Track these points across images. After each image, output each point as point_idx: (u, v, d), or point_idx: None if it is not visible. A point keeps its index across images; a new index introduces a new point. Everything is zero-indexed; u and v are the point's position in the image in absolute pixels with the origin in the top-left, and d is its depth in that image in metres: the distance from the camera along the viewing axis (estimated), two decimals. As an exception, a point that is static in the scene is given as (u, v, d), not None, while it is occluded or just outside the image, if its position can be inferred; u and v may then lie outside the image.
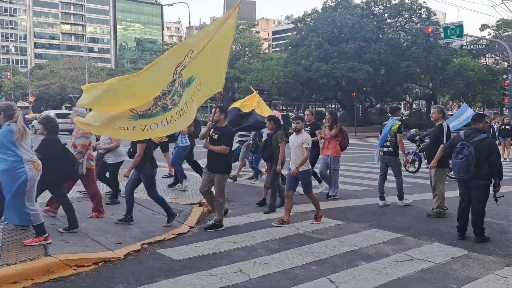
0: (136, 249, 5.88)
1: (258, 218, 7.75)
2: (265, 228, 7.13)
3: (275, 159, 8.11)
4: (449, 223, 7.47)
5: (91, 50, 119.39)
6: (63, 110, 42.02)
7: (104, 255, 5.54)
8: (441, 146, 7.64)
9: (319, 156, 9.57)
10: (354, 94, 41.84)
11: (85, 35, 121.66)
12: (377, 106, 55.61)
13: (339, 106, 52.64)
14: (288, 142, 7.87)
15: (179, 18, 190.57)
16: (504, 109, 35.73)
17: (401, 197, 8.82)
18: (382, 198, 8.81)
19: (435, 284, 4.93)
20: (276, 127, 8.26)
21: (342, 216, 7.95)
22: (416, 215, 8.12)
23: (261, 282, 4.92)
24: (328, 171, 9.49)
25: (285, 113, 70.95)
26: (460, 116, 20.35)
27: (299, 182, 7.38)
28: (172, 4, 52.61)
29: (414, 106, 69.75)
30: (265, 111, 9.99)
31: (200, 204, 8.22)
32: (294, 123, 7.43)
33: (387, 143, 8.68)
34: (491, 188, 6.52)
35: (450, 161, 7.02)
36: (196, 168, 10.38)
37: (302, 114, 10.73)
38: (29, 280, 4.79)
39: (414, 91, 58.70)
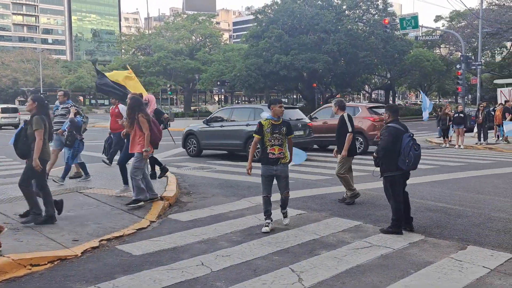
0: (94, 246, 5.72)
1: (220, 210, 7.70)
2: (227, 220, 7.09)
3: (31, 153, 6.29)
4: (406, 210, 7.64)
5: (44, 41, 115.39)
6: (8, 105, 39.94)
7: (60, 253, 5.36)
8: (349, 135, 8.03)
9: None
10: (315, 85, 42.35)
11: (38, 26, 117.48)
12: (337, 96, 56.43)
13: (300, 97, 53.06)
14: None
15: (137, 9, 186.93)
16: (458, 97, 37.04)
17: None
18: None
19: (393, 269, 5.03)
20: (36, 111, 6.39)
21: (304, 206, 8.01)
22: (375, 202, 8.28)
23: (223, 275, 4.89)
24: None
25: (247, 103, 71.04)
26: (425, 106, 21.32)
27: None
28: (129, -6, 51.38)
29: (373, 96, 71.15)
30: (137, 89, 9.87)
31: (161, 198, 8.10)
32: None
33: None
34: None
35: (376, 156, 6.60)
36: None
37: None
38: (-20, 282, 4.58)
39: (373, 81, 59.94)
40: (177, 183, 9.77)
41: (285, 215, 6.78)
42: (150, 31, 59.95)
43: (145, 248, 5.74)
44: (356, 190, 8.23)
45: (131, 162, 7.98)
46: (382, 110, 16.31)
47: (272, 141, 6.45)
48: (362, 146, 15.34)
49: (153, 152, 8.28)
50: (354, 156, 8.46)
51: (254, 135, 6.60)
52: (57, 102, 10.38)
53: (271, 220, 6.58)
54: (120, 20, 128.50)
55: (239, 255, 5.49)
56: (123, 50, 60.03)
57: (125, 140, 8.86)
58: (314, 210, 7.77)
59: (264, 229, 6.42)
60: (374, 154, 6.50)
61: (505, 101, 21.05)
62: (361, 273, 4.93)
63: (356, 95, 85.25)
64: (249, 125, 13.77)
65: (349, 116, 8.26)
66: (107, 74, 10.53)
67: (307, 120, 14.59)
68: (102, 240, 5.94)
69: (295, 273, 4.91)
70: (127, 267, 5.10)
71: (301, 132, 13.99)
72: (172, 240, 6.07)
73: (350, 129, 8.10)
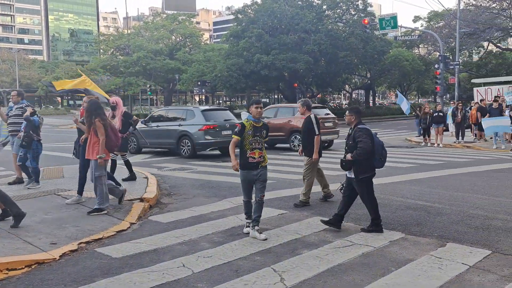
0: (73, 249, 5.62)
1: (201, 211, 7.64)
2: (208, 221, 7.04)
3: None
4: (387, 208, 7.72)
5: (21, 41, 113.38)
6: None
7: (38, 257, 5.25)
8: (316, 137, 7.97)
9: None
10: (296, 84, 42.48)
11: (14, 26, 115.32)
12: (318, 96, 56.73)
13: (282, 96, 53.19)
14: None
15: (115, 8, 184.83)
16: (436, 97, 37.67)
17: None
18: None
19: (374, 267, 5.06)
20: None
21: (285, 205, 8.01)
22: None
23: (204, 276, 4.84)
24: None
25: (229, 103, 70.95)
26: (401, 104, 21.99)
27: None
28: (107, -7, 50.83)
29: (354, 95, 71.75)
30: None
31: (141, 200, 8.01)
32: None
33: None
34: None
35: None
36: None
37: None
38: (-47, 288, 4.45)
39: (353, 81, 60.44)
40: (158, 184, 9.68)
41: (257, 222, 6.24)
42: (129, 31, 59.21)
43: (125, 250, 5.66)
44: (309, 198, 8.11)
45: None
46: (320, 110, 17.55)
47: (253, 144, 6.12)
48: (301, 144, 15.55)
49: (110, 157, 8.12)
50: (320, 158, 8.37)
51: (233, 136, 6.23)
52: (11, 103, 9.86)
53: None
54: (98, 20, 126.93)
55: (220, 256, 5.45)
56: (101, 50, 59.30)
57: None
58: (296, 209, 7.77)
59: (246, 229, 6.34)
60: (349, 157, 6.30)
61: (481, 100, 21.42)
62: (342, 271, 4.94)
63: (336, 95, 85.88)
64: (181, 125, 15.15)
65: (315, 117, 8.16)
66: (59, 83, 10.44)
67: (236, 120, 15.39)
68: (81, 243, 5.84)
69: (277, 273, 4.90)
70: (106, 270, 5.02)
71: (230, 132, 14.65)
72: (153, 241, 6.00)
73: (317, 131, 8.00)
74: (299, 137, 15.18)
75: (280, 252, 5.60)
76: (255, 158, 6.14)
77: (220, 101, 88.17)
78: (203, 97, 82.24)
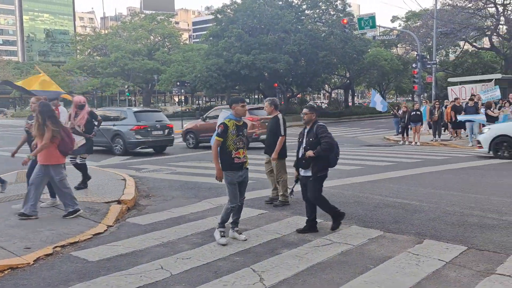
0: (48, 253, 5.50)
1: (180, 212, 7.58)
2: (188, 222, 6.98)
3: None
4: (365, 207, 7.77)
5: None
6: None
7: (11, 262, 5.12)
8: (281, 138, 7.82)
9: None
10: (276, 84, 42.55)
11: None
12: (298, 96, 56.96)
13: (262, 96, 53.20)
14: None
15: (92, 8, 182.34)
16: (414, 96, 38.17)
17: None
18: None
19: (353, 265, 5.08)
20: None
21: (265, 205, 8.00)
22: (335, 200, 8.33)
23: (183, 278, 4.80)
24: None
25: (209, 104, 70.71)
26: (375, 102, 22.37)
27: None
28: (83, -7, 50.03)
29: (333, 95, 72.21)
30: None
31: (119, 202, 7.89)
32: None
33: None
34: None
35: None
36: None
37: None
38: None
39: (333, 80, 60.84)
40: (136, 186, 9.57)
41: (237, 224, 6.17)
42: (106, 31, 58.45)
43: (102, 253, 5.57)
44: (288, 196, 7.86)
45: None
46: (259, 112, 18.55)
47: (238, 143, 5.89)
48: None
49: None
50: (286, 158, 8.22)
51: (217, 138, 5.87)
52: None
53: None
54: (74, 20, 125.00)
55: (199, 257, 5.41)
56: (78, 51, 58.30)
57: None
58: (275, 209, 7.76)
59: (223, 240, 5.90)
60: (310, 153, 6.17)
61: (455, 99, 21.78)
62: (321, 270, 4.95)
63: (316, 95, 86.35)
64: (115, 125, 16.41)
65: (283, 118, 7.99)
66: (19, 83, 9.71)
67: (167, 121, 17.42)
68: (56, 246, 5.72)
69: (256, 273, 4.88)
70: (82, 274, 4.93)
71: (161, 132, 16.72)
72: (131, 244, 5.92)
73: (282, 132, 7.86)
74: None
75: (259, 252, 5.58)
76: (240, 158, 5.93)
77: (200, 102, 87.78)
78: (183, 98, 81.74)
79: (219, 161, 5.93)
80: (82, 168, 9.28)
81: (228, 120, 5.95)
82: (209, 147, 18.21)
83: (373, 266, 5.04)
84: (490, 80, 24.49)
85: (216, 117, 17.05)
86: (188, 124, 20.37)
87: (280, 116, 7.98)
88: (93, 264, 5.24)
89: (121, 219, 7.25)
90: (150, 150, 17.29)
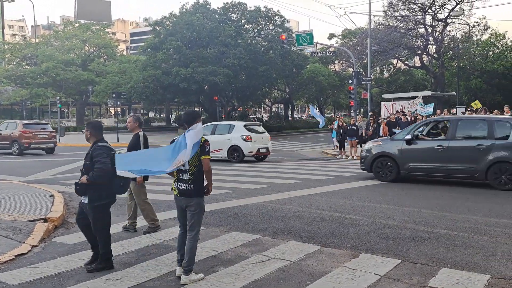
0: (-40, 278, 5.00)
1: (112, 230, 7.13)
2: (120, 240, 6.65)
3: None
4: (304, 221, 7.77)
5: None
6: None
7: None
8: None
9: None
10: (216, 98, 42.41)
11: None
12: (239, 109, 57.12)
13: (202, 110, 52.87)
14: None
15: (23, 16, 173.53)
16: (351, 111, 39.46)
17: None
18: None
19: (290, 282, 5.00)
20: None
21: (203, 222, 7.75)
22: (274, 215, 8.31)
23: (112, 301, 4.50)
24: None
25: (147, 117, 69.33)
26: (317, 116, 23.20)
27: None
28: (13, 0, 47.61)
29: (273, 109, 73.14)
30: None
31: (45, 220, 7.39)
32: None
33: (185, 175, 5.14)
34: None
35: None
36: None
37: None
38: None
39: (273, 95, 61.64)
40: (65, 203, 9.03)
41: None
42: (37, 40, 55.79)
43: (24, 276, 5.16)
44: (158, 221, 7.30)
45: None
46: (36, 126, 23.70)
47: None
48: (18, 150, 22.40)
49: None
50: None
51: (208, 156, 5.10)
52: None
53: None
54: (3, 28, 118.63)
55: (131, 277, 5.13)
56: (6, 60, 55.16)
57: None
58: (213, 225, 7.58)
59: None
60: (84, 179, 5.33)
61: (390, 114, 22.65)
62: (258, 288, 4.83)
63: (257, 109, 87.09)
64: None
65: (144, 135, 7.25)
66: None
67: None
68: (-29, 270, 5.22)
69: (190, 293, 4.68)
70: (-1, 300, 4.51)
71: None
72: (56, 265, 5.52)
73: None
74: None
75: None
76: None
77: (132, 113, 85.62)
78: (119, 110, 79.55)
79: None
80: None
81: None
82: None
83: (310, 282, 4.99)
84: (415, 97, 25.81)
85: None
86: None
87: (141, 133, 7.22)
88: (14, 287, 4.82)
89: (47, 238, 6.79)
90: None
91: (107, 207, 5.54)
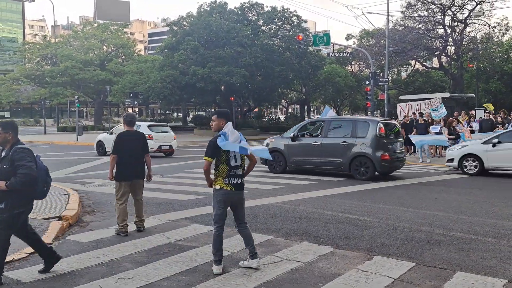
0: (-24, 274, 5.06)
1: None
2: (133, 239, 6.67)
3: None
4: (317, 222, 7.70)
5: None
6: None
7: None
8: (112, 156, 6.97)
9: None
10: (232, 98, 42.46)
11: None
12: (255, 110, 57.14)
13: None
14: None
15: (43, 16, 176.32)
16: (368, 112, 39.05)
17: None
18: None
19: (302, 283, 4.95)
20: None
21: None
22: (287, 215, 8.26)
23: (123, 300, 4.51)
24: None
25: (164, 117, 69.74)
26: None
27: None
28: (33, 0, 48.33)
29: (290, 110, 73.00)
30: None
31: (60, 218, 7.47)
32: None
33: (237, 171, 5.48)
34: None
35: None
36: None
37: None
38: None
39: (289, 96, 61.48)
40: (80, 201, 9.12)
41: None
42: (56, 40, 56.52)
43: (37, 273, 5.20)
44: (127, 227, 6.99)
45: None
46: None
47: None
48: None
49: None
50: (127, 182, 7.12)
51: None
52: None
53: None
54: (24, 27, 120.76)
55: (142, 277, 5.13)
56: (26, 59, 55.98)
57: None
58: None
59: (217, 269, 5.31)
60: (3, 185, 4.78)
61: (404, 116, 22.38)
62: (269, 290, 4.79)
63: (273, 109, 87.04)
64: None
65: (119, 135, 7.10)
66: None
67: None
68: (-15, 267, 5.28)
69: (201, 294, 4.66)
70: (12, 297, 4.55)
71: None
72: (69, 264, 5.56)
73: (112, 150, 7.02)
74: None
75: (206, 270, 5.36)
76: None
77: (155, 114, 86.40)
78: (136, 110, 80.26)
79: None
80: None
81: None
82: (164, 161, 17.84)
83: (322, 284, 4.93)
84: (432, 98, 25.45)
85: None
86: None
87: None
88: (27, 285, 4.88)
89: (61, 236, 6.85)
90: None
91: (25, 215, 5.06)
